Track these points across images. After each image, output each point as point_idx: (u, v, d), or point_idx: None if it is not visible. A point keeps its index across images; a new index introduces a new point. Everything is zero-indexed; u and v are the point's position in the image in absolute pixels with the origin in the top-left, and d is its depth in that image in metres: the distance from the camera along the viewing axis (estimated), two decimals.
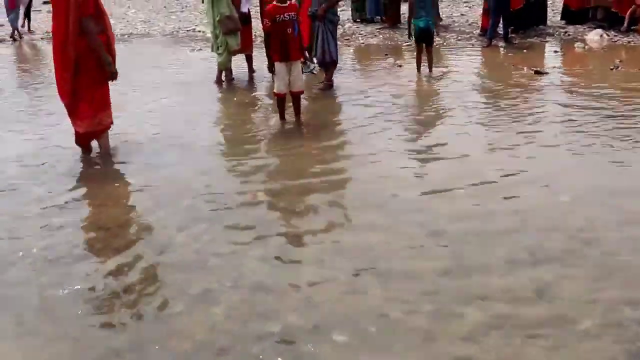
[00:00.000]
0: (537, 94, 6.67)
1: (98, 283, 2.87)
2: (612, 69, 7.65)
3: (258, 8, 8.44)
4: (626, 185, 3.83)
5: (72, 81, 4.55)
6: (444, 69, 8.26)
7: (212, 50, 8.11)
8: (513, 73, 7.86)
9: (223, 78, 8.07)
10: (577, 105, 5.98)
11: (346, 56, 9.76)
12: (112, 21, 4.74)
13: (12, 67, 10.10)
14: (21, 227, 3.49)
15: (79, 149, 4.89)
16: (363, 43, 11.81)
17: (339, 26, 7.59)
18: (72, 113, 4.70)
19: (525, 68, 8.13)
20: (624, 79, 7.10)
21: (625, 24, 10.27)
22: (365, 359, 2.32)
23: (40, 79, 8.46)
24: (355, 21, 13.51)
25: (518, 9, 10.39)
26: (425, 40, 7.87)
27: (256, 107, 6.71)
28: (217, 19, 7.64)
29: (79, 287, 2.84)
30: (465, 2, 14.39)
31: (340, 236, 3.30)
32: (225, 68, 7.98)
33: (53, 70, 4.65)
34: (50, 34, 5.38)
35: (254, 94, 7.51)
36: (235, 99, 7.17)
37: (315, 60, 7.70)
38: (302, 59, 6.04)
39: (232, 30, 7.65)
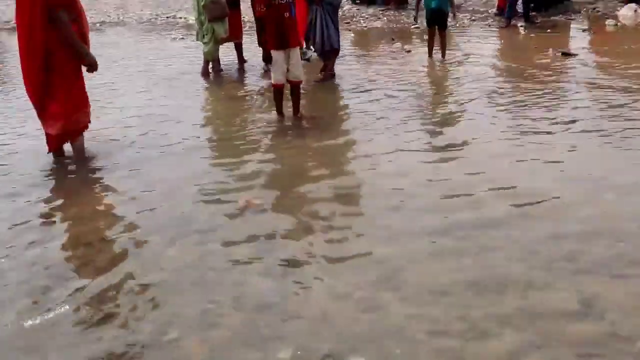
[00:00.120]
0: (567, 79, 6.65)
1: (80, 308, 2.82)
2: None
3: None
4: None
5: (42, 77, 4.50)
6: (459, 54, 8.25)
7: (197, 39, 8.10)
8: (537, 56, 7.86)
9: (210, 69, 8.06)
10: (613, 89, 5.96)
11: (347, 42, 9.75)
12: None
13: None
14: None
15: (49, 154, 4.85)
16: (365, 27, 11.83)
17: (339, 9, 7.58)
18: (43, 113, 4.66)
19: (550, 50, 8.13)
20: None
21: None
22: None
23: (3, 75, 8.41)
24: (355, 2, 13.52)
25: None
26: (437, 23, 7.85)
27: (249, 102, 6.69)
28: (202, 3, 7.62)
29: (59, 312, 2.78)
30: None
31: (352, 246, 3.27)
32: (212, 58, 7.97)
33: (19, 65, 4.60)
34: (13, 23, 5.34)
35: (245, 86, 7.49)
36: (224, 92, 7.15)
37: (312, 48, 7.68)
38: (301, 46, 6.01)
39: (218, 17, 7.63)
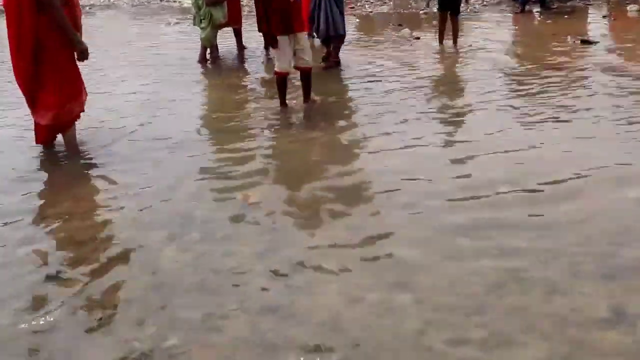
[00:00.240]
0: (588, 69, 6.58)
1: (75, 312, 2.77)
2: None
3: None
4: None
5: (32, 65, 4.44)
6: (471, 42, 8.18)
7: (194, 24, 8.04)
8: (555, 44, 7.79)
9: (208, 56, 8.00)
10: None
11: (351, 28, 9.68)
12: None
13: None
14: None
15: (39, 146, 4.80)
16: (371, 12, 11.76)
17: None
18: (33, 103, 4.60)
19: (568, 37, 8.06)
20: None
21: None
22: None
23: None
24: None
25: None
26: (450, 8, 7.78)
27: (249, 91, 6.65)
28: None
29: (53, 317, 2.73)
30: None
31: (364, 246, 3.21)
32: (210, 45, 7.91)
33: (8, 51, 4.54)
34: (1, 5, 5.29)
35: (245, 75, 7.45)
36: (223, 81, 7.11)
37: (315, 34, 7.62)
38: (307, 30, 5.94)
39: (216, 1, 7.57)
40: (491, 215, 3.44)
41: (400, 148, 4.53)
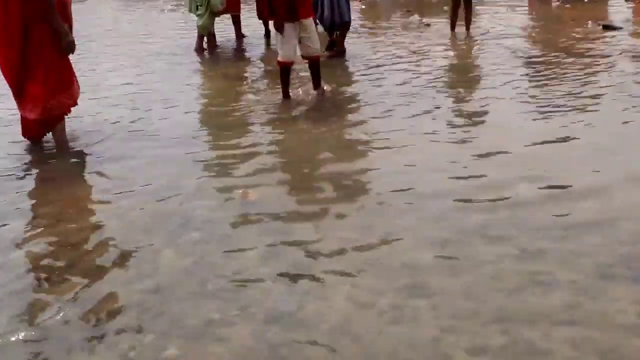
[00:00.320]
0: (612, 55, 6.55)
1: (65, 320, 2.74)
2: None
3: None
4: None
5: (20, 55, 4.43)
6: (485, 28, 8.14)
7: (190, 11, 8.02)
8: (575, 30, 7.74)
9: (205, 45, 7.99)
10: None
11: (356, 14, 9.66)
12: None
13: None
14: None
15: (24, 141, 4.80)
16: None
17: None
18: (20, 95, 4.59)
19: (589, 23, 8.01)
20: None
21: None
22: None
23: None
24: None
25: None
26: None
27: (249, 82, 6.63)
28: None
29: (45, 325, 2.72)
30: None
31: (375, 247, 3.20)
32: (207, 33, 7.90)
33: None
34: None
35: (244, 65, 7.44)
36: (221, 72, 7.10)
37: (319, 22, 7.60)
38: (313, 16, 5.92)
39: None
40: (511, 214, 3.42)
41: (412, 144, 4.51)
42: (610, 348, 2.41)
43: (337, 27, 7.17)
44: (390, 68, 6.62)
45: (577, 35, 7.44)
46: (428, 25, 8.86)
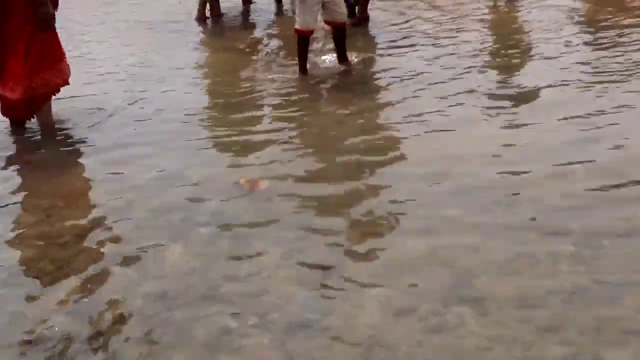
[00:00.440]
0: None
1: (59, 331, 2.74)
2: None
3: None
4: None
5: None
6: None
7: None
8: None
9: (207, 14, 7.96)
10: None
11: None
12: None
13: None
14: None
15: (6, 124, 4.81)
16: None
17: None
18: (0, 72, 4.60)
19: None
20: None
21: None
22: None
23: None
24: None
25: None
26: None
27: (258, 56, 6.61)
28: None
29: (36, 338, 2.71)
30: None
31: (409, 243, 3.17)
32: (209, 0, 7.87)
33: None
34: None
35: (253, 35, 7.40)
36: (226, 44, 7.08)
37: None
38: None
39: None
40: (565, 205, 3.37)
41: (450, 127, 4.44)
42: None
43: None
44: (423, 38, 6.54)
45: (633, 5, 7.30)
46: None
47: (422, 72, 5.54)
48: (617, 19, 6.47)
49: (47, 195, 3.90)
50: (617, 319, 2.58)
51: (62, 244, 3.37)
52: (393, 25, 7.10)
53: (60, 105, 5.00)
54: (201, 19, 7.94)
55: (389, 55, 6.22)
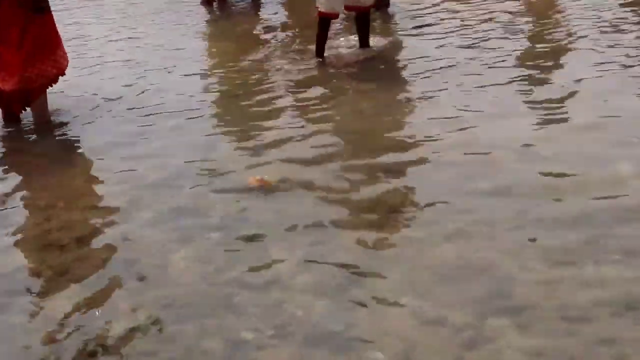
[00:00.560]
0: None
1: (58, 347, 2.71)
2: None
3: None
4: None
5: None
6: None
7: None
8: None
9: None
10: None
11: None
12: None
13: None
14: None
15: None
16: None
17: None
18: None
19: None
20: None
21: None
22: None
23: None
24: None
25: None
26: None
27: (268, 42, 6.58)
28: None
29: (26, 355, 2.69)
30: None
31: (438, 247, 3.14)
32: None
33: None
34: None
35: (261, 20, 7.39)
36: (235, 29, 7.06)
37: None
38: None
39: None
40: (611, 205, 3.32)
41: (487, 124, 4.39)
42: None
43: None
44: (449, 23, 6.50)
45: None
46: None
47: (450, 61, 5.52)
48: None
49: (45, 196, 3.89)
50: None
51: (62, 248, 3.36)
52: (416, 9, 7.07)
53: (56, 95, 4.98)
54: (207, 2, 7.94)
55: (413, 41, 6.21)
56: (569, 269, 2.91)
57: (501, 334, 2.59)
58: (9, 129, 4.80)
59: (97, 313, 2.86)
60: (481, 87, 4.95)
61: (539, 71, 5.22)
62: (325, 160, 4.10)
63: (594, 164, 3.73)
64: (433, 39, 6.14)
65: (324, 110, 4.86)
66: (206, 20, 7.49)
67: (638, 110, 4.33)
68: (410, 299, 2.80)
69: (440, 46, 5.92)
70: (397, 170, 3.91)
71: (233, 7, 7.89)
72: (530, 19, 6.57)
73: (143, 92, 5.39)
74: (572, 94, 4.67)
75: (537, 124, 4.33)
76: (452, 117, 4.48)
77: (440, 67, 5.41)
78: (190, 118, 4.85)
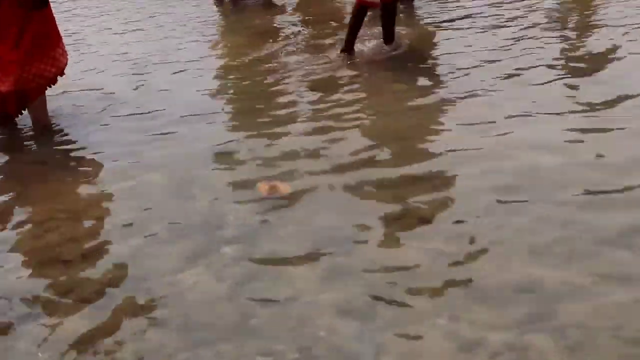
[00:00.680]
0: None
1: None
2: None
3: None
4: None
5: None
6: None
7: None
8: None
9: None
10: None
11: None
12: None
13: None
14: None
15: None
16: None
17: None
18: None
19: None
20: None
21: None
22: None
23: None
24: None
25: None
26: None
27: (285, 36, 6.57)
28: None
29: None
30: None
31: (477, 262, 3.11)
32: None
33: None
34: None
35: (275, 15, 7.38)
36: (246, 25, 7.06)
37: None
38: None
39: None
40: None
41: (510, 117, 4.40)
42: None
43: None
44: (478, 13, 6.47)
45: None
46: None
47: (482, 58, 5.54)
48: None
49: (45, 207, 3.89)
50: None
51: (64, 263, 3.35)
52: (443, 1, 7.06)
53: (55, 97, 4.98)
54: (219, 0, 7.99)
55: (442, 36, 6.22)
56: (622, 285, 2.87)
57: (545, 354, 2.57)
58: (4, 134, 4.79)
59: (103, 338, 2.85)
60: (518, 87, 4.94)
61: (583, 71, 5.19)
62: (348, 167, 4.09)
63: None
64: (464, 34, 6.14)
65: (346, 114, 4.84)
66: (217, 16, 7.50)
67: None
68: (446, 320, 2.78)
69: (472, 42, 5.92)
70: (427, 179, 3.90)
71: (246, 1, 7.89)
72: (575, 13, 6.53)
73: (149, 93, 5.41)
74: (622, 98, 4.62)
75: (581, 129, 4.28)
76: (487, 122, 4.47)
77: (473, 66, 5.41)
78: (202, 122, 4.86)
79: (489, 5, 6.74)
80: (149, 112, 5.05)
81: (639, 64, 5.09)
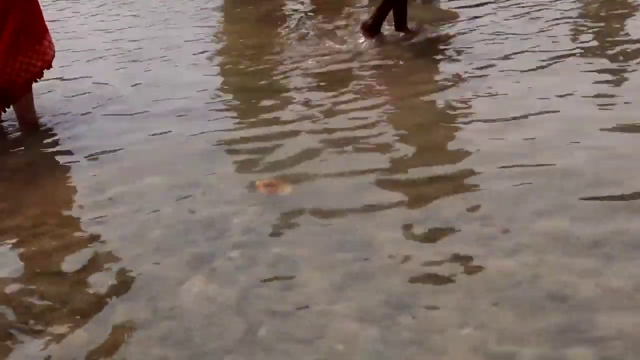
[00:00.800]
0: None
1: None
2: None
3: None
4: None
5: None
6: None
7: None
8: None
9: None
10: None
11: None
12: None
13: None
14: None
15: None
16: None
17: None
18: None
19: None
20: None
21: None
22: None
23: None
24: None
25: None
26: None
27: (289, 25, 6.59)
28: None
29: None
30: None
31: (505, 268, 3.10)
32: None
33: None
34: None
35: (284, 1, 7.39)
36: (249, 9, 7.05)
37: None
38: None
39: None
40: None
41: (540, 124, 4.38)
42: None
43: None
44: (508, 6, 6.48)
45: None
46: None
47: (504, 49, 5.56)
48: None
49: (34, 211, 3.89)
50: None
51: (55, 273, 3.35)
52: None
53: (42, 92, 4.98)
54: None
55: (460, 26, 6.22)
56: None
57: None
58: None
59: (99, 353, 2.84)
60: (548, 83, 4.92)
61: (620, 66, 5.18)
62: (364, 167, 4.09)
63: None
64: (483, 22, 6.14)
65: (359, 110, 4.84)
66: (217, 6, 7.52)
67: None
68: (472, 330, 2.77)
69: (497, 30, 5.90)
70: (450, 178, 3.90)
71: None
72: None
73: (144, 87, 5.41)
74: None
75: (612, 129, 4.27)
76: (512, 119, 4.46)
77: (496, 57, 5.42)
78: (200, 118, 4.87)
79: None
80: (143, 110, 5.03)
81: None
